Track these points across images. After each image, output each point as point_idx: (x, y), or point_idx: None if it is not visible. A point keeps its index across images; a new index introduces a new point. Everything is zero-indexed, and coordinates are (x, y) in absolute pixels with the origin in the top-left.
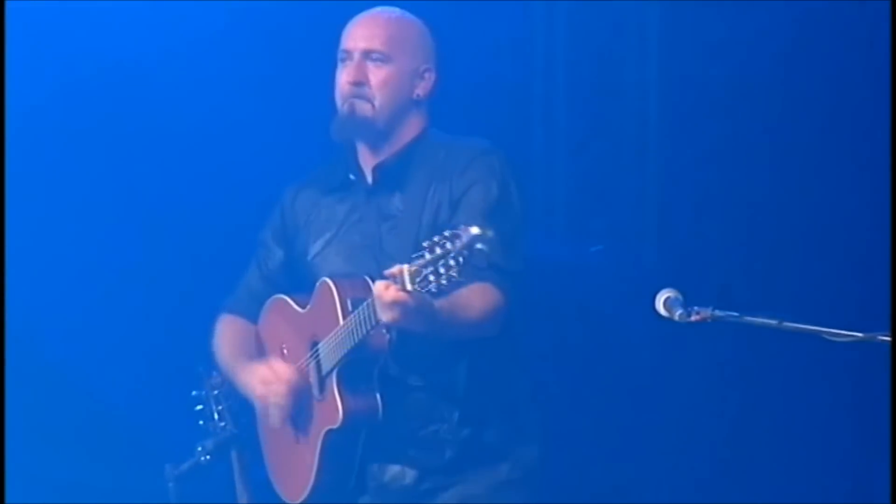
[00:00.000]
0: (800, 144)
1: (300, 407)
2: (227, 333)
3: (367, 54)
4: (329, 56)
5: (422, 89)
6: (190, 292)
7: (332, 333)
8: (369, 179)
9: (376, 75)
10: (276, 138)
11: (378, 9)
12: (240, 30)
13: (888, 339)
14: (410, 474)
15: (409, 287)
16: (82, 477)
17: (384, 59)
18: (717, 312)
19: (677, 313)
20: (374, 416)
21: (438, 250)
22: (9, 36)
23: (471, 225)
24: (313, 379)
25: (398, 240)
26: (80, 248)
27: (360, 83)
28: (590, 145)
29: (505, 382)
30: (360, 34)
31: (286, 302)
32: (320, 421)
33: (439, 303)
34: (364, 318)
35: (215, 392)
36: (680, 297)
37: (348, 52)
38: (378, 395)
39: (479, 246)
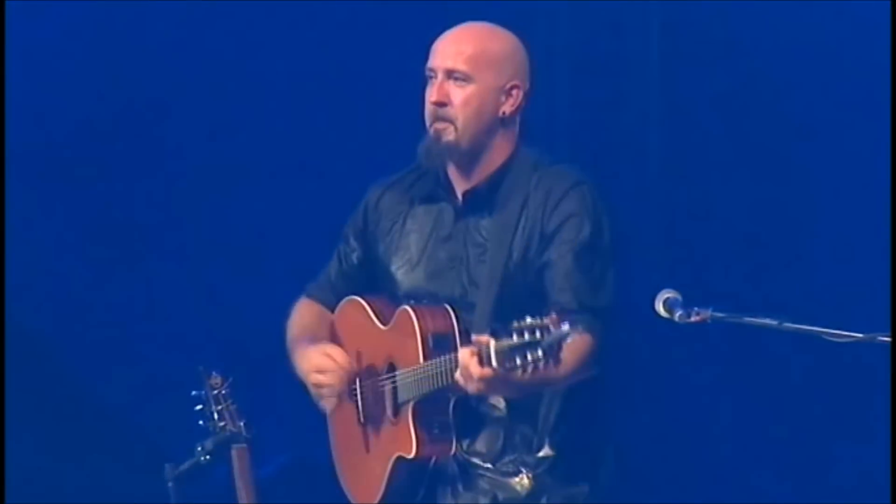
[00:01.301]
0: (800, 144)
1: (373, 415)
2: (302, 313)
3: (449, 73)
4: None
5: (508, 107)
6: (190, 292)
7: (410, 369)
8: (459, 198)
9: (458, 95)
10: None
11: (466, 24)
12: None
13: (888, 339)
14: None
15: (494, 363)
16: (82, 477)
17: (465, 78)
18: (717, 313)
19: (677, 314)
20: (448, 452)
21: (527, 336)
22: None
23: (563, 321)
24: (388, 401)
25: (486, 268)
26: (79, 246)
27: (442, 104)
28: (590, 146)
29: (590, 409)
30: (444, 52)
31: (365, 309)
32: (393, 444)
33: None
34: (446, 370)
35: (215, 392)
36: (680, 297)
37: (433, 71)
38: (454, 434)
39: (569, 341)
